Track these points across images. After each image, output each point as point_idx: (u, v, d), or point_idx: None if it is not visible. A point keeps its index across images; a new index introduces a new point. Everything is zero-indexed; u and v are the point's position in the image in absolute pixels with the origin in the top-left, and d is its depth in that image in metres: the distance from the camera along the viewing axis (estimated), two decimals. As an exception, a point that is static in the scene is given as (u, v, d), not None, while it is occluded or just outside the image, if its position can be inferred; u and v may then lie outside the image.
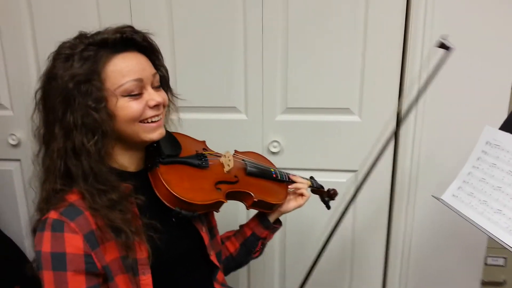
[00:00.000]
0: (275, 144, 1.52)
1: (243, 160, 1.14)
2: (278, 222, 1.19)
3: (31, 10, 1.53)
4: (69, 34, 0.87)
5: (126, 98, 0.84)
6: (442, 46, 0.59)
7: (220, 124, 1.53)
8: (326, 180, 1.51)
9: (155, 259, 0.86)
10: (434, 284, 1.54)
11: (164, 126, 0.97)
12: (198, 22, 1.45)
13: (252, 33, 1.43)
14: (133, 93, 0.84)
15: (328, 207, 1.24)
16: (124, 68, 0.83)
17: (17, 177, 1.74)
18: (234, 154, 1.15)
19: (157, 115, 0.89)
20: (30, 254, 1.79)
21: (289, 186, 1.19)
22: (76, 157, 0.82)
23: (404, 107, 1.39)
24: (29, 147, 1.67)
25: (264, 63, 1.45)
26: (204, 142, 1.14)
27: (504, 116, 1.32)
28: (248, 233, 1.15)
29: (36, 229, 0.83)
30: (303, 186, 1.17)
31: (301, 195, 1.16)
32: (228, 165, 1.04)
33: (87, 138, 0.81)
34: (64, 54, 0.82)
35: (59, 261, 0.78)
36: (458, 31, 1.30)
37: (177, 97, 1.01)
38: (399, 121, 1.44)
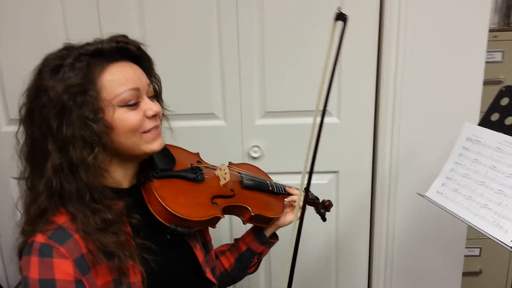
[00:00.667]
0: (256, 149, 1.50)
1: (239, 172, 1.10)
2: (274, 237, 1.14)
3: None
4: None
5: (124, 109, 0.80)
6: (340, 17, 0.58)
7: (199, 131, 1.50)
8: (308, 182, 1.52)
9: (149, 282, 0.82)
10: (418, 278, 1.56)
11: None
12: (171, 29, 1.42)
13: (227, 37, 1.41)
14: (130, 103, 0.81)
15: (324, 219, 1.20)
16: (121, 77, 0.80)
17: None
18: (228, 166, 1.11)
19: (156, 126, 0.85)
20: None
21: (285, 199, 1.14)
22: (72, 173, 0.77)
23: (381, 106, 1.42)
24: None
25: (241, 67, 1.43)
26: (197, 154, 1.09)
27: (476, 113, 1.37)
28: (243, 248, 1.11)
29: (22, 252, 0.78)
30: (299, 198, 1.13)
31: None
32: (224, 178, 1.00)
33: (86, 152, 0.76)
34: (53, 66, 0.77)
35: None
36: (431, 33, 1.33)
37: (166, 109, 0.98)
38: (377, 121, 1.46)
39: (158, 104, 0.88)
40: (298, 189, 1.16)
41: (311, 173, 0.65)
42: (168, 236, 0.84)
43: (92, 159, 0.77)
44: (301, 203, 1.09)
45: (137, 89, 0.82)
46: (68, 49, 0.80)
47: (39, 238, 0.76)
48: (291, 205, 1.14)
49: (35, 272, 0.74)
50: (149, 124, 0.83)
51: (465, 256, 1.82)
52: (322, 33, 1.38)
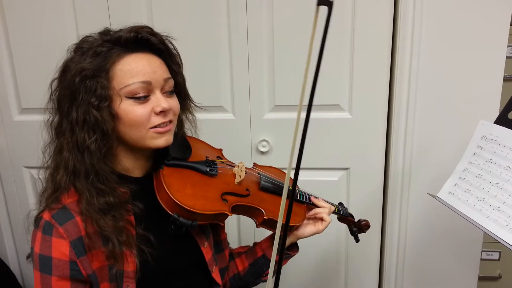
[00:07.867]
0: (264, 143, 1.47)
1: (258, 173, 1.05)
2: (293, 248, 1.08)
3: (4, 14, 1.47)
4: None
5: (130, 101, 0.80)
6: (324, 1, 0.52)
7: (207, 124, 1.45)
8: (318, 179, 1.48)
9: (142, 274, 0.82)
10: (430, 281, 1.51)
11: (181, 132, 0.96)
12: (180, 22, 1.40)
13: (236, 30, 1.38)
14: (138, 96, 0.80)
15: (357, 240, 1.14)
16: (134, 69, 0.79)
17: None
18: (253, 167, 1.08)
19: (164, 123, 0.83)
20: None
21: (310, 212, 1.07)
22: (80, 153, 0.80)
23: (394, 102, 1.36)
24: None
25: (250, 60, 1.40)
26: (220, 150, 1.07)
27: (496, 111, 1.30)
28: (259, 254, 1.06)
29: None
30: (324, 211, 1.05)
31: (321, 219, 1.05)
32: (240, 176, 0.97)
33: (88, 136, 0.79)
34: (83, 48, 0.81)
35: (45, 264, 0.78)
36: (449, 26, 1.27)
37: (195, 105, 0.99)
38: (390, 117, 1.41)
39: (172, 101, 0.86)
40: (327, 202, 1.09)
41: (296, 174, 0.61)
42: (172, 227, 0.83)
43: (93, 143, 0.78)
44: (324, 216, 1.04)
45: (147, 83, 0.80)
46: (101, 33, 0.83)
47: (46, 215, 0.80)
48: (315, 217, 1.06)
49: (37, 247, 0.79)
50: (156, 120, 0.82)
51: (484, 260, 1.75)
52: (334, 27, 1.34)
